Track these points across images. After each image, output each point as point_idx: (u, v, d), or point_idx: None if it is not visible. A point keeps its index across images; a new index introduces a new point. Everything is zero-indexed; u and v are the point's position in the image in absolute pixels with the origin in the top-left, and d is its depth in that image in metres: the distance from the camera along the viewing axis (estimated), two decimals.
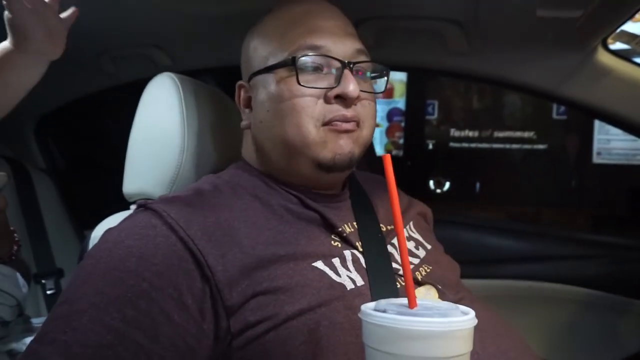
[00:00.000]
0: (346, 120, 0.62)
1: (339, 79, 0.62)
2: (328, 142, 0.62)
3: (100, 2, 0.91)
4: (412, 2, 0.90)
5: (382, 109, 2.89)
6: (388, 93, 2.87)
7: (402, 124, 2.83)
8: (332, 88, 0.62)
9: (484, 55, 1.05)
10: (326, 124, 0.62)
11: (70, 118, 1.60)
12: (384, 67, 0.68)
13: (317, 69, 0.63)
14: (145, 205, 0.60)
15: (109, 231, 0.58)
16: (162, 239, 0.54)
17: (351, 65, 0.63)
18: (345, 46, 0.64)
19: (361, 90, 0.63)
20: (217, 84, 1.27)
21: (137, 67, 1.24)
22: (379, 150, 2.82)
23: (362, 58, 0.65)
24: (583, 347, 1.18)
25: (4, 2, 0.61)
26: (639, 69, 1.00)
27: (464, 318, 0.39)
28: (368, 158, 1.42)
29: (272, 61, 0.64)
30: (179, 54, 1.18)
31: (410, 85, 2.81)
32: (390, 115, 2.87)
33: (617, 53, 1.00)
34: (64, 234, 1.41)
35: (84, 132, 1.73)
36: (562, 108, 2.45)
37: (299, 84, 0.61)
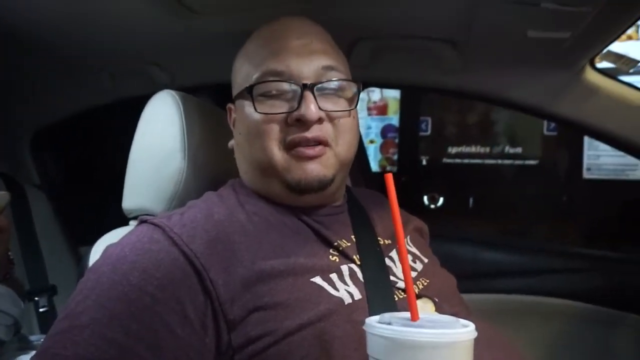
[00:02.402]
0: (307, 142, 0.63)
1: (299, 102, 0.62)
2: (292, 168, 0.63)
3: (100, 18, 0.93)
4: (407, 23, 0.92)
5: (376, 125, 2.92)
6: (382, 110, 2.91)
7: (396, 141, 2.86)
8: (292, 112, 0.63)
9: (476, 73, 1.07)
10: (289, 147, 0.63)
11: (66, 133, 1.60)
12: (353, 82, 0.67)
13: (277, 94, 0.64)
14: (147, 220, 0.61)
15: (111, 246, 0.58)
16: (165, 254, 0.55)
17: (313, 87, 0.63)
18: (309, 66, 0.64)
19: (330, 111, 0.64)
20: (214, 102, 1.29)
21: (135, 84, 1.26)
22: (373, 166, 2.84)
23: (331, 74, 0.65)
24: None
25: None
26: (625, 87, 1.03)
27: (466, 330, 0.40)
28: (364, 174, 1.43)
29: (244, 86, 0.66)
30: (177, 72, 1.19)
31: (403, 102, 2.85)
32: (384, 131, 2.90)
33: (604, 72, 1.04)
34: (57, 250, 1.39)
35: (80, 147, 1.72)
36: (553, 125, 2.50)
37: (257, 111, 0.63)
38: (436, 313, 0.63)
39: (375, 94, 2.92)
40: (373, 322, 0.41)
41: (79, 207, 1.59)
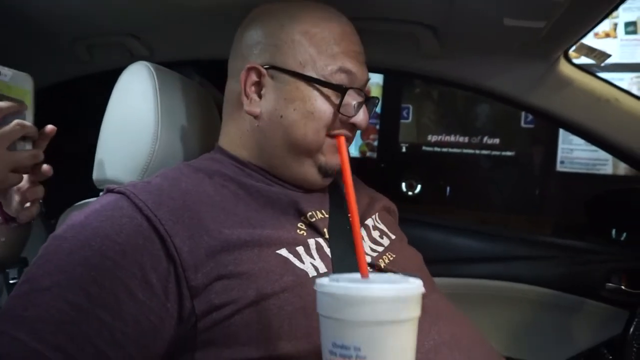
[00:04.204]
0: (347, 139, 0.70)
1: (358, 108, 0.69)
2: (326, 153, 0.69)
3: None
4: (386, 5, 0.92)
5: None
6: None
7: (377, 127, 2.87)
8: (350, 116, 0.69)
9: (456, 60, 1.08)
10: (330, 135, 0.69)
11: (39, 104, 1.56)
12: (375, 98, 0.77)
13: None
14: (113, 189, 0.60)
15: (74, 214, 0.58)
16: (128, 219, 0.55)
17: (371, 102, 0.73)
18: (364, 74, 0.72)
19: (367, 122, 0.72)
20: (200, 77, 1.27)
21: (112, 56, 1.23)
22: (354, 151, 2.86)
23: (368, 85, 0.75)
24: (539, 344, 1.23)
25: None
26: (597, 81, 1.05)
27: (411, 285, 0.41)
28: None
29: (309, 70, 0.67)
30: (156, 45, 1.17)
31: (386, 89, 2.85)
32: None
33: (577, 65, 1.06)
34: (29, 222, 1.37)
35: (53, 119, 1.68)
36: (530, 117, 2.54)
37: (339, 112, 0.68)
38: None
39: None
40: (323, 282, 0.42)
41: (51, 180, 1.56)
